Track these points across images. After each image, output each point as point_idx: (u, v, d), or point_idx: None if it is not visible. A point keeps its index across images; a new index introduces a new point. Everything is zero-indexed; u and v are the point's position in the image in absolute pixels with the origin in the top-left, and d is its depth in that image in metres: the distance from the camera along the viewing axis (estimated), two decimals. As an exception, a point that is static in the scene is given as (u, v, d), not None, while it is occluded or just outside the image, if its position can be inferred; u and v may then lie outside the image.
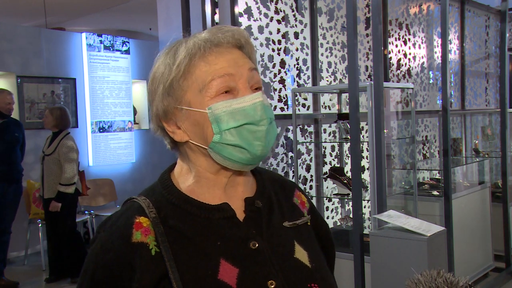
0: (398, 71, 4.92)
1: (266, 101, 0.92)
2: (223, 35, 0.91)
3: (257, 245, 0.91)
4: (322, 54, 4.05)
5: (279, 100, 3.70)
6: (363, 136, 4.17)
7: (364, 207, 3.86)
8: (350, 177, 3.19)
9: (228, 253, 0.89)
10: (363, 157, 4.28)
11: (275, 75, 3.66)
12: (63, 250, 4.76)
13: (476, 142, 5.64)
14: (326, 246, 1.08)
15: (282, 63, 3.72)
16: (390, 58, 4.79)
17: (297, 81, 3.87)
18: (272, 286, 0.88)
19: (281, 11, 3.72)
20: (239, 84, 0.90)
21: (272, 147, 1.01)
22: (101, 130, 6.50)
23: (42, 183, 4.74)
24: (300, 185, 3.83)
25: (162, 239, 0.87)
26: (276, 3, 3.68)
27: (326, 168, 3.98)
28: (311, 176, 3.99)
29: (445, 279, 0.91)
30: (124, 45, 6.77)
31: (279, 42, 3.70)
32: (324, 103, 4.04)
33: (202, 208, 0.92)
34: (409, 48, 5.11)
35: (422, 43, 5.34)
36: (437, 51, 5.48)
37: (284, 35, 3.74)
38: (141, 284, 0.84)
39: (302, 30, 3.90)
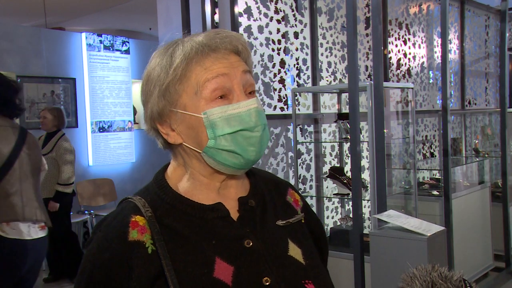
0: (398, 71, 4.91)
1: (260, 106, 0.93)
2: (221, 41, 0.91)
3: (251, 243, 0.92)
4: (322, 54, 4.04)
5: (279, 100, 3.70)
6: (363, 136, 4.16)
7: (364, 207, 3.86)
8: (350, 177, 3.19)
9: (223, 251, 0.89)
10: (363, 157, 4.28)
11: (275, 75, 3.66)
12: (61, 250, 4.76)
13: (476, 142, 5.63)
14: (320, 243, 1.10)
15: (282, 63, 3.72)
16: (390, 58, 4.79)
17: (297, 81, 3.86)
18: (267, 283, 0.89)
19: (281, 11, 3.71)
20: (234, 85, 0.91)
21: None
22: (101, 130, 6.50)
23: None
24: (300, 185, 3.83)
25: (158, 237, 0.87)
26: (276, 3, 3.68)
27: (326, 168, 3.98)
28: (311, 176, 3.98)
29: (440, 273, 0.92)
30: (124, 45, 6.77)
31: (279, 42, 3.69)
32: (324, 102, 4.04)
33: (196, 208, 0.93)
34: (409, 48, 5.11)
35: (422, 43, 5.33)
36: (437, 51, 5.48)
37: (284, 35, 3.74)
38: (139, 282, 0.85)
39: (302, 30, 3.90)
